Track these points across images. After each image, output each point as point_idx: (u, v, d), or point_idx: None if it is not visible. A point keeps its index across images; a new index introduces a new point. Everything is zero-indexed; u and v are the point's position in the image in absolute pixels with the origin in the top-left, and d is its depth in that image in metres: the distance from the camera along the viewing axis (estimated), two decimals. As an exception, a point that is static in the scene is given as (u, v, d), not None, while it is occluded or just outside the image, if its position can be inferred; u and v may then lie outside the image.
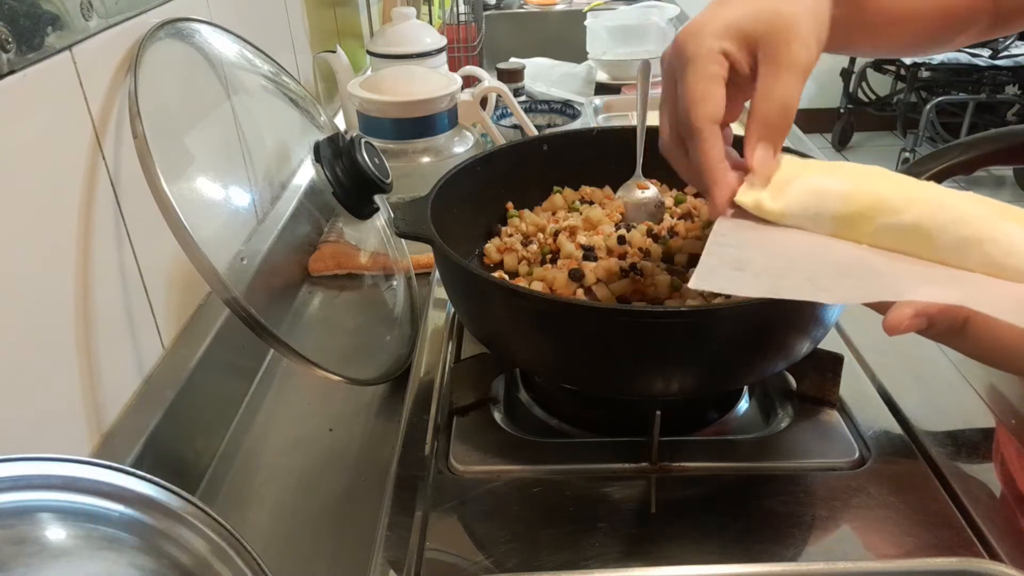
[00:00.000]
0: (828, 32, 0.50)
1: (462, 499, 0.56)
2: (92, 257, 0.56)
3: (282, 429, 0.69)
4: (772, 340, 0.55)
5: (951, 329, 0.42)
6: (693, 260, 0.67)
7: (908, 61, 3.30)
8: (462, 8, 1.45)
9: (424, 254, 0.86)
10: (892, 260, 0.45)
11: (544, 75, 1.47)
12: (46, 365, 0.51)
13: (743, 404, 0.65)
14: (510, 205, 0.77)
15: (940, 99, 3.34)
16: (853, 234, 0.46)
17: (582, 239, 0.69)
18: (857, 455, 0.58)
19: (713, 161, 0.49)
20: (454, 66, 1.28)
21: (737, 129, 0.53)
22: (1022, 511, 0.53)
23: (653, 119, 0.72)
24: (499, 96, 1.12)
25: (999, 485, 0.56)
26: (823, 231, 0.47)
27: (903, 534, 0.52)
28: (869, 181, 0.47)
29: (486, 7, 1.95)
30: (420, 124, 0.96)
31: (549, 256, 0.70)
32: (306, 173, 0.74)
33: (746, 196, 0.48)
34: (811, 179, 0.47)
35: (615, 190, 0.76)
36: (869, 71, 3.68)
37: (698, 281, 0.43)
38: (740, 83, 0.50)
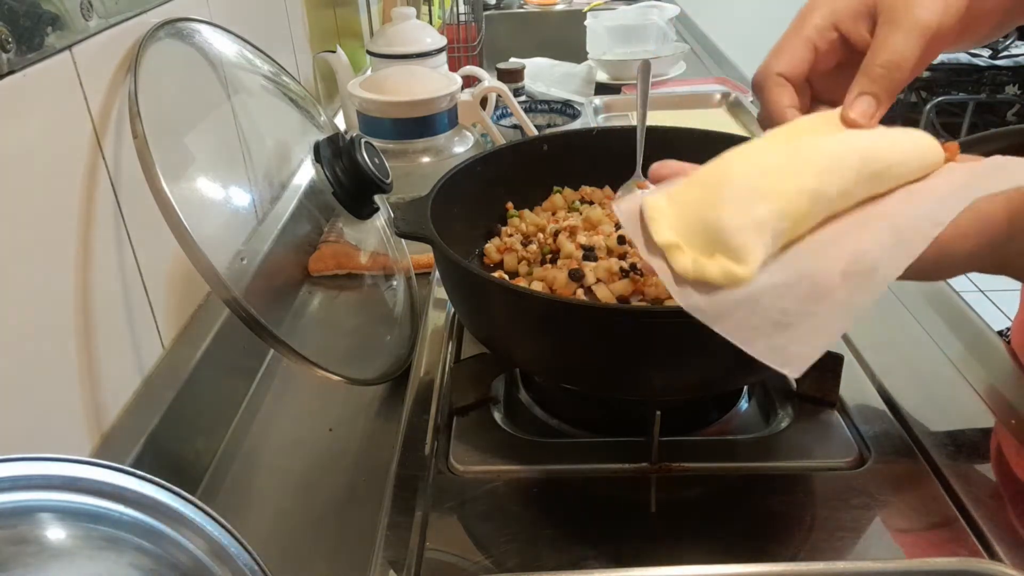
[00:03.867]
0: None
1: (462, 499, 0.56)
2: (92, 257, 0.56)
3: (282, 429, 0.69)
4: (772, 340, 0.55)
5: None
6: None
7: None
8: (462, 8, 1.46)
9: (424, 254, 0.86)
10: (860, 221, 0.43)
11: (544, 75, 1.47)
12: (46, 365, 0.51)
13: (743, 404, 0.65)
14: (510, 205, 0.77)
15: (940, 99, 3.34)
16: (801, 233, 0.43)
17: (582, 239, 0.69)
18: (857, 455, 0.58)
19: (775, 106, 0.50)
20: (454, 66, 1.28)
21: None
22: (1022, 511, 0.53)
23: (653, 119, 0.72)
24: (499, 96, 1.12)
25: (999, 485, 0.56)
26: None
27: (903, 534, 0.52)
28: (776, 182, 0.43)
29: (486, 7, 1.95)
30: (420, 124, 0.96)
31: (549, 256, 0.70)
32: (306, 173, 0.74)
33: (714, 269, 0.42)
34: (741, 223, 0.42)
35: (615, 190, 0.76)
36: (869, 71, 3.67)
37: (795, 369, 0.38)
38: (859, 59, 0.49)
